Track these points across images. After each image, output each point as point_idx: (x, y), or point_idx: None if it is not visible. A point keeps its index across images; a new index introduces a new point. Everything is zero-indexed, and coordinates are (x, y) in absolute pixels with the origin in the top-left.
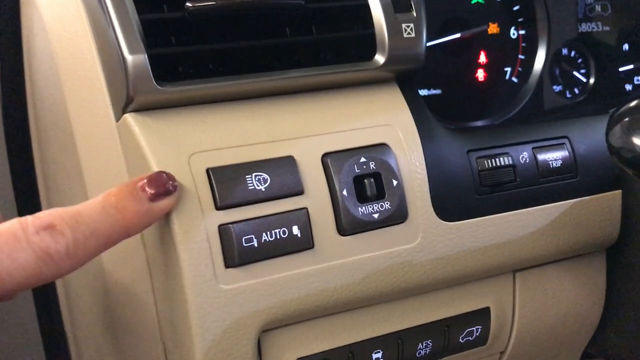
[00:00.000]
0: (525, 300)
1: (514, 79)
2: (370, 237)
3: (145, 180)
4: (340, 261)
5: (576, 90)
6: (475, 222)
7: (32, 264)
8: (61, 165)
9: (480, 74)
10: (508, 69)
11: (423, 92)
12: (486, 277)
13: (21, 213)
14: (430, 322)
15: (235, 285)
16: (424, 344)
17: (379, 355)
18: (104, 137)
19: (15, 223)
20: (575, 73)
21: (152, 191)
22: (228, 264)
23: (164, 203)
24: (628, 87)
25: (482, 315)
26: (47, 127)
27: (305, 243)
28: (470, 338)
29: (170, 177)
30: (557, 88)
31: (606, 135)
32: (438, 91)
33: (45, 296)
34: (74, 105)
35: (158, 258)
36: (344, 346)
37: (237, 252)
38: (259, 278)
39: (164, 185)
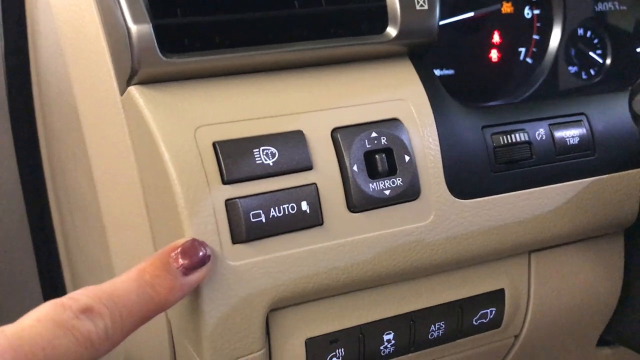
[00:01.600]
0: (541, 282)
1: (529, 60)
2: (381, 214)
3: (179, 251)
4: (350, 238)
5: (592, 71)
6: (490, 200)
7: (73, 350)
8: (64, 143)
9: (494, 54)
10: (522, 50)
11: (436, 72)
12: (501, 258)
13: (26, 193)
14: (443, 304)
15: (242, 262)
16: (437, 326)
17: (390, 336)
18: (108, 111)
19: (51, 307)
20: (591, 53)
21: (187, 263)
22: (235, 240)
23: (197, 275)
24: None
25: (496, 297)
26: (51, 103)
27: (314, 219)
28: (484, 320)
29: (202, 244)
30: (572, 69)
31: (629, 104)
32: (451, 71)
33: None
34: (78, 80)
35: (164, 234)
36: (354, 327)
37: (244, 228)
38: (267, 254)
39: (197, 256)
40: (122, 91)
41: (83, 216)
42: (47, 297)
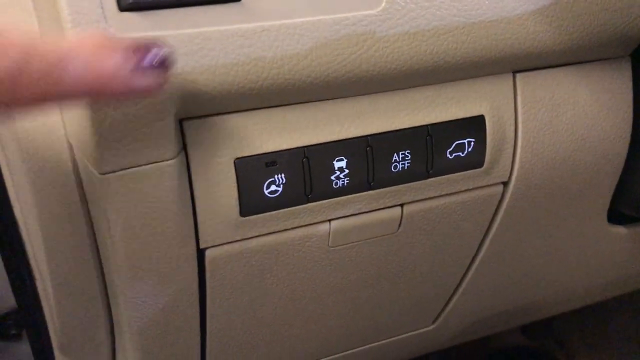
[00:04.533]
0: (530, 112)
1: None
2: None
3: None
4: (278, 22)
5: None
6: None
7: None
8: None
9: None
10: None
11: None
12: (477, 75)
13: None
14: (408, 128)
15: (132, 34)
16: (400, 156)
17: (343, 164)
18: None
19: None
20: None
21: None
22: (122, 5)
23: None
24: None
25: (474, 125)
26: None
27: None
28: (460, 154)
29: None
30: None
31: None
32: None
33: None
34: None
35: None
36: (297, 148)
37: None
38: (165, 29)
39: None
40: None
41: None
42: None
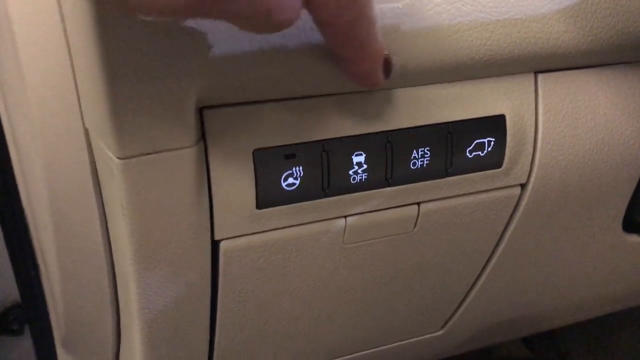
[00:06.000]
0: (551, 114)
1: None
2: None
3: None
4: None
5: None
6: None
7: None
8: None
9: None
10: None
11: None
12: (499, 74)
13: None
14: (428, 125)
15: (155, 18)
16: (420, 152)
17: (361, 158)
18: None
19: None
20: None
21: None
22: None
23: None
24: None
25: (494, 124)
26: None
27: None
28: (480, 153)
29: None
30: None
31: None
32: None
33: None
34: None
35: None
36: (316, 142)
37: None
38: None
39: None
40: None
41: None
42: None
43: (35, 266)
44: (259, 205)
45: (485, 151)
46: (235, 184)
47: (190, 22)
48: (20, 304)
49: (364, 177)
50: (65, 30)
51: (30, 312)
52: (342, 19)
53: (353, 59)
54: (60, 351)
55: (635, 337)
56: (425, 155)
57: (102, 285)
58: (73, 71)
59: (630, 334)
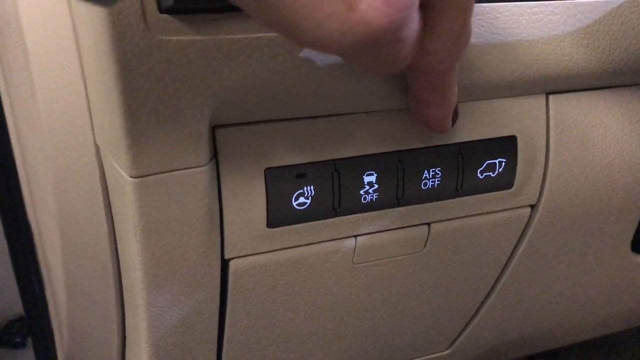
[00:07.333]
0: (561, 135)
1: None
2: None
3: None
4: None
5: None
6: (494, 7)
7: None
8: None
9: None
10: None
11: None
12: (510, 95)
13: None
14: (440, 145)
15: (174, 38)
16: (431, 173)
17: (372, 178)
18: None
19: None
20: None
21: None
22: (162, 8)
23: None
24: None
25: (506, 145)
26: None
27: None
28: (491, 174)
29: None
30: None
31: None
32: None
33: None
34: None
35: None
36: (327, 161)
37: None
38: (206, 35)
39: None
40: None
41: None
42: None
43: (39, 281)
44: (270, 224)
45: (496, 172)
46: (246, 203)
47: (204, 45)
48: (23, 317)
49: (374, 196)
50: (78, 47)
51: (33, 326)
52: (442, 67)
53: (433, 103)
54: None
55: (638, 356)
56: (437, 176)
57: (109, 302)
58: (85, 88)
59: (633, 352)
